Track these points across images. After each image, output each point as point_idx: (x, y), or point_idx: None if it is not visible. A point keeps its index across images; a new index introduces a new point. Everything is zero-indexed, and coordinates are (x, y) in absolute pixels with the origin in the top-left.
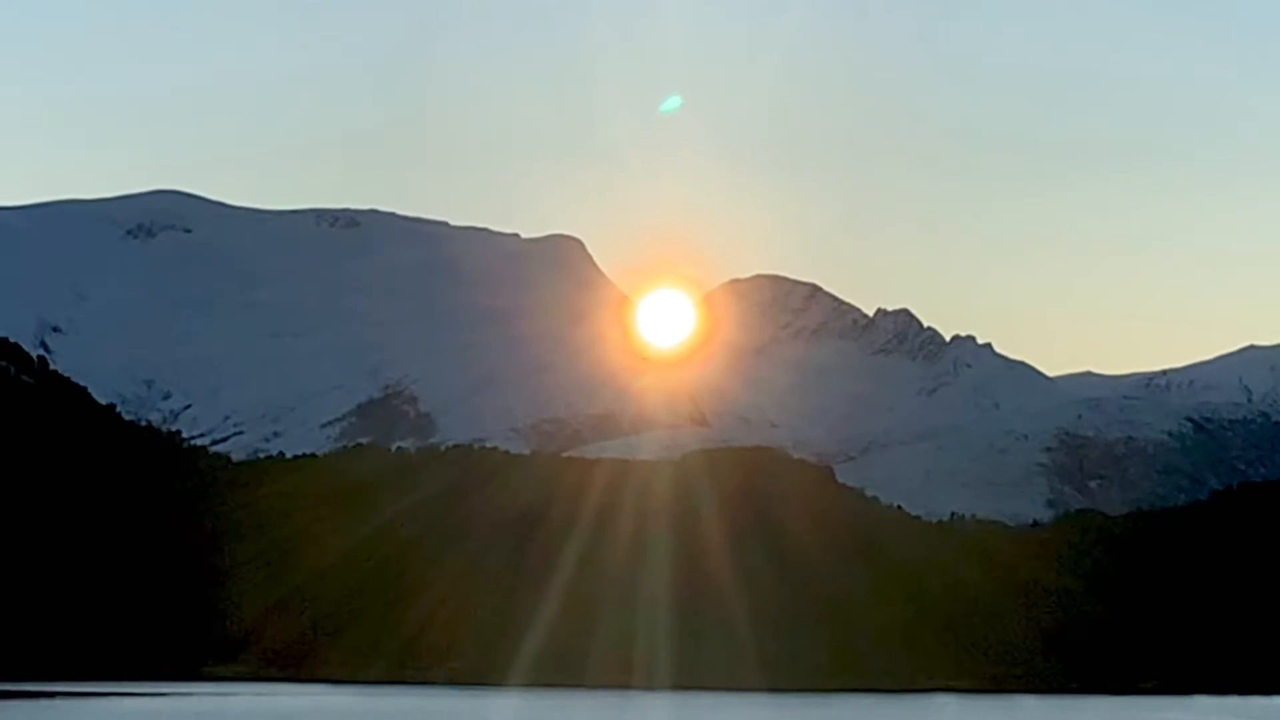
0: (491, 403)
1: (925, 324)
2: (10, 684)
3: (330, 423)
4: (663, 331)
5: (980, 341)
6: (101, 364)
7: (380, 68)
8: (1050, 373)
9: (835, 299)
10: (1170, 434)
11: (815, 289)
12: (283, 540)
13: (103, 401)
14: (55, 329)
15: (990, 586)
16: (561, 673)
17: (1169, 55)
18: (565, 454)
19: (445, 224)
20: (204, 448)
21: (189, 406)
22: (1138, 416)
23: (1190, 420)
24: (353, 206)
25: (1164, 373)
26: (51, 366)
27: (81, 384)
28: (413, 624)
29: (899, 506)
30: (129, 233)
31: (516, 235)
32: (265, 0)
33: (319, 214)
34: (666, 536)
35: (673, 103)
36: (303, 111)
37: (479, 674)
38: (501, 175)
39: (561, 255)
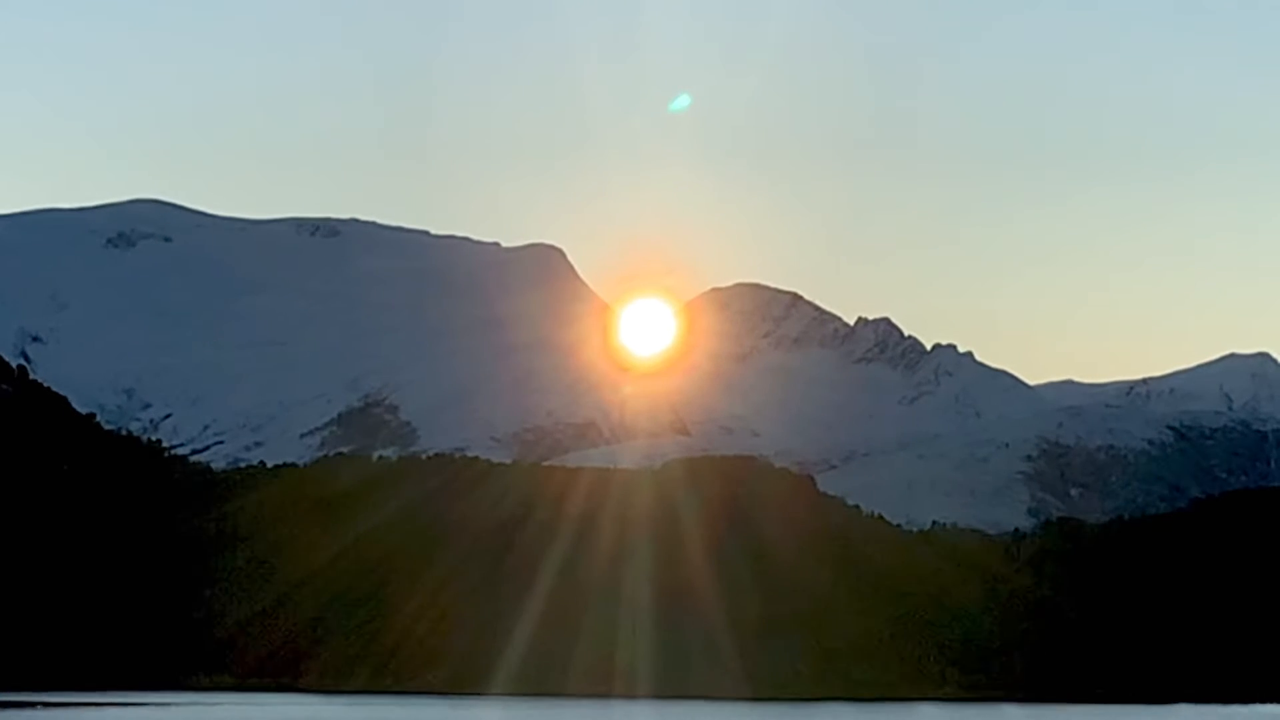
0: (472, 412)
1: (906, 333)
2: None
3: (311, 432)
4: (644, 340)
5: (961, 350)
6: (81, 373)
7: (361, 77)
8: (1031, 381)
9: (816, 308)
10: (1151, 442)
11: (796, 298)
12: (264, 550)
13: (83, 411)
14: (35, 338)
15: (972, 595)
16: (542, 681)
17: (1152, 67)
18: (546, 463)
19: (426, 233)
20: (184, 457)
21: (169, 416)
22: (1119, 425)
23: (1171, 428)
24: (333, 215)
25: (1145, 381)
26: (31, 376)
27: (61, 393)
28: (394, 633)
29: (880, 515)
30: (109, 242)
31: (497, 244)
32: (246, 11)
33: (299, 223)
34: (647, 545)
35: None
36: (283, 121)
37: (460, 682)
38: (482, 184)
39: (542, 264)
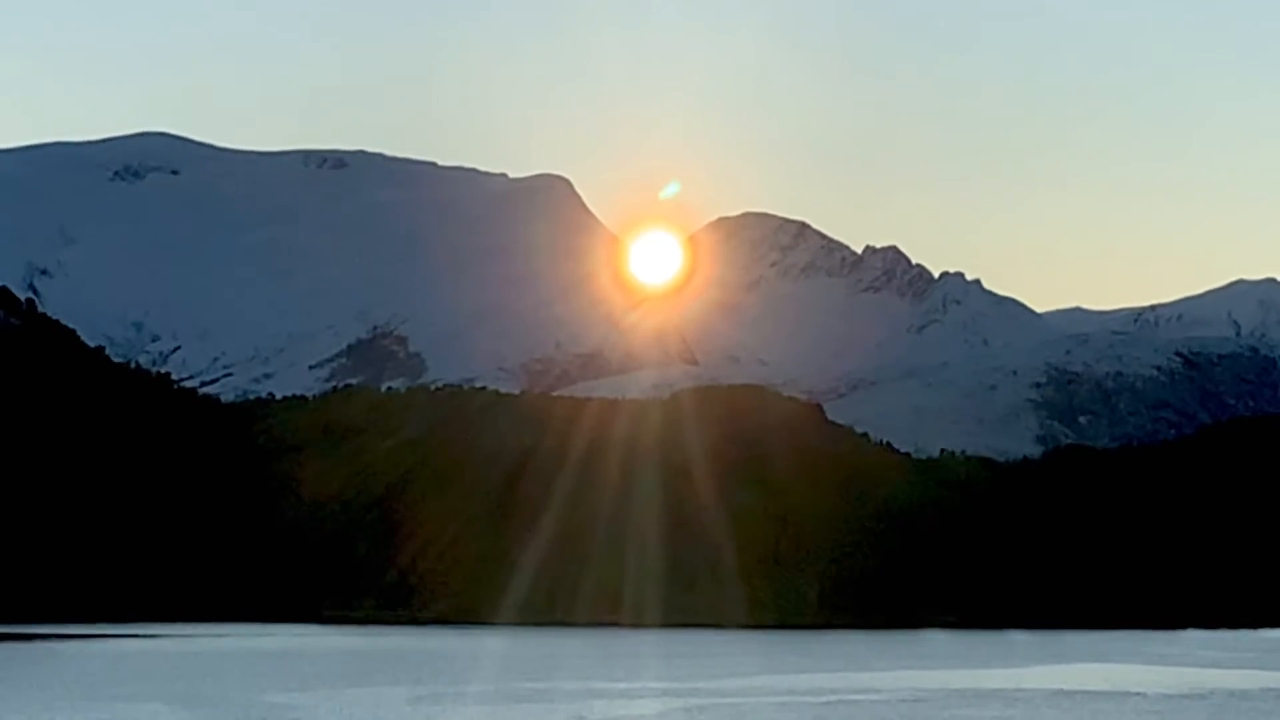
0: (481, 342)
1: (914, 261)
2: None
3: (320, 364)
4: (651, 270)
5: (969, 278)
6: (90, 306)
7: (368, 8)
8: (1039, 308)
9: (824, 236)
10: (1159, 369)
11: (803, 226)
12: (273, 481)
13: (91, 344)
14: (43, 272)
15: (979, 522)
16: (550, 611)
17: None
18: (555, 393)
19: (433, 164)
20: (194, 390)
21: (178, 348)
22: (1126, 351)
23: (1179, 355)
24: (340, 148)
25: (1152, 308)
26: (40, 309)
27: (70, 326)
28: (403, 562)
29: (888, 443)
30: (116, 175)
31: (504, 175)
32: None
33: (307, 155)
34: (655, 475)
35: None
36: (290, 53)
37: (468, 612)
38: (489, 115)
39: (549, 194)
